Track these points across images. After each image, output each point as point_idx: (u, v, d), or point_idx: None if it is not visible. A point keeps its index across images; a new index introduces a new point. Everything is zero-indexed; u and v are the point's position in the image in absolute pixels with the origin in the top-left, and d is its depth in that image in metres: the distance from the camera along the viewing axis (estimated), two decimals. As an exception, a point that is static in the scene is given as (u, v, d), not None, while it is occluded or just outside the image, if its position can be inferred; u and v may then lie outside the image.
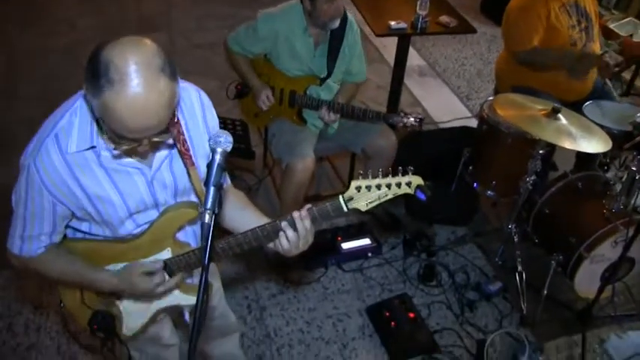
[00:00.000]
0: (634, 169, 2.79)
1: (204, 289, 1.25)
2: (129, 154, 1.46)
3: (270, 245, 1.60)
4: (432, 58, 5.76)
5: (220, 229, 1.51)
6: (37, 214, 1.50)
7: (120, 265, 1.67)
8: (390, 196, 1.48)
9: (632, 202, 2.91)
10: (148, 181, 1.55)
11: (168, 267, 1.68)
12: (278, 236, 1.56)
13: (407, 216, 3.63)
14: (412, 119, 2.94)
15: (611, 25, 5.08)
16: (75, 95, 1.45)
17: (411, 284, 3.25)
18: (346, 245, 3.34)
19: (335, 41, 3.06)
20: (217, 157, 1.35)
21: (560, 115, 2.75)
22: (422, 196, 1.46)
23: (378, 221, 3.56)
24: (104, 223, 1.58)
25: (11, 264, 1.66)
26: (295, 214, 1.53)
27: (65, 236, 1.64)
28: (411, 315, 2.98)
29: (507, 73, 3.56)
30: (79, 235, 1.65)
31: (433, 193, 1.48)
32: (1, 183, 1.84)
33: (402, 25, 3.69)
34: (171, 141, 1.49)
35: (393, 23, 3.69)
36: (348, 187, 1.47)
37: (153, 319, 1.86)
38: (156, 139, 1.34)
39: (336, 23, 2.95)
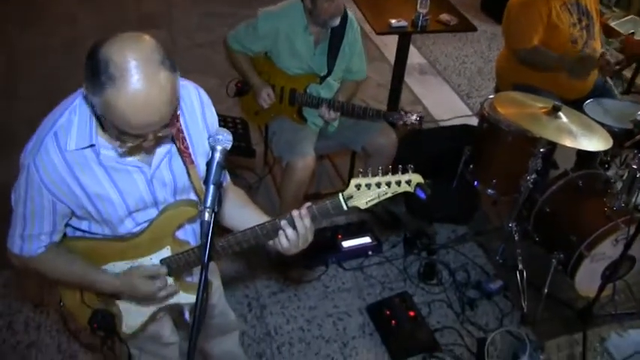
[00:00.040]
0: (635, 167, 2.79)
1: (203, 288, 1.25)
2: (135, 151, 1.46)
3: (270, 243, 1.60)
4: (433, 56, 5.76)
5: (220, 227, 1.51)
6: (37, 213, 1.50)
7: (119, 264, 1.67)
8: (389, 195, 1.48)
9: (633, 200, 2.91)
10: (148, 180, 1.54)
11: (167, 266, 1.69)
12: (277, 235, 1.56)
13: (407, 214, 3.63)
14: (412, 117, 2.94)
15: (612, 23, 5.09)
16: (74, 93, 1.45)
17: (412, 283, 3.25)
18: (347, 243, 3.34)
19: (335, 39, 3.06)
20: (217, 156, 1.35)
21: (560, 114, 2.75)
22: (422, 195, 1.46)
23: (378, 219, 3.56)
24: (104, 221, 1.57)
25: (11, 263, 1.66)
26: (295, 212, 1.53)
27: (65, 235, 1.64)
28: (412, 313, 2.98)
29: (508, 71, 3.56)
30: (79, 233, 1.65)
31: (433, 192, 1.48)
32: (2, 182, 1.84)
33: (403, 23, 3.69)
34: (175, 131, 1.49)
35: (393, 21, 3.69)
36: (347, 186, 1.47)
37: (153, 318, 1.85)
38: (160, 134, 1.35)
39: (337, 21, 2.95)
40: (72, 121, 1.40)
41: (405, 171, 1.46)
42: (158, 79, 1.24)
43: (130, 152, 1.46)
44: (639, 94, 4.99)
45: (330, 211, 1.52)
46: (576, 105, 3.10)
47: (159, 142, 1.45)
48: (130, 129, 1.28)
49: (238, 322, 2.57)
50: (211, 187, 1.31)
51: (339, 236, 3.36)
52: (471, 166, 3.27)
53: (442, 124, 4.62)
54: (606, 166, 3.24)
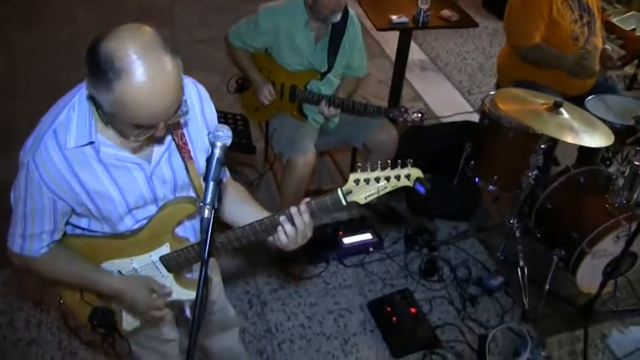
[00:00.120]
0: (636, 163, 2.78)
1: (203, 284, 1.25)
2: (147, 143, 1.46)
3: (270, 239, 1.60)
4: (434, 52, 5.75)
5: (220, 223, 1.51)
6: (38, 212, 1.48)
7: (118, 261, 1.67)
8: (388, 189, 1.47)
9: (635, 196, 2.89)
10: (147, 177, 1.54)
11: (167, 263, 1.68)
12: (276, 231, 1.56)
13: (408, 211, 3.62)
14: (413, 114, 2.93)
15: (614, 20, 5.08)
16: (73, 90, 1.44)
17: (413, 279, 3.25)
18: (347, 240, 3.33)
19: (336, 35, 3.05)
20: (217, 152, 1.34)
21: (562, 110, 2.74)
22: (421, 189, 1.45)
23: (379, 216, 3.55)
24: (103, 219, 1.56)
25: (12, 262, 1.65)
26: (293, 209, 1.53)
27: (64, 233, 1.63)
28: (413, 310, 2.97)
29: (509, 67, 3.55)
30: (78, 231, 1.64)
31: (434, 188, 1.47)
32: (2, 182, 1.83)
33: (404, 19, 3.69)
34: (184, 118, 1.49)
35: (394, 17, 3.68)
36: (346, 181, 1.46)
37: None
38: (171, 121, 1.35)
39: (338, 17, 2.94)
40: (71, 118, 1.40)
41: (404, 165, 1.45)
42: (164, 64, 1.24)
43: (142, 146, 1.46)
44: (641, 90, 4.99)
45: (329, 206, 1.52)
46: (578, 101, 3.09)
47: (169, 130, 1.45)
48: (144, 120, 1.28)
49: (238, 319, 2.56)
50: (211, 184, 1.31)
51: (340, 233, 3.35)
52: (472, 163, 3.26)
53: (443, 120, 4.61)
54: (608, 162, 3.23)
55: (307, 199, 1.54)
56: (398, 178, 1.44)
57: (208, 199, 1.30)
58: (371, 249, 3.37)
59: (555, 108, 2.74)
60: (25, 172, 1.41)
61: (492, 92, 3.22)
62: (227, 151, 1.37)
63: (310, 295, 3.13)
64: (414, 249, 3.40)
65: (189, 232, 1.76)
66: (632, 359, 2.88)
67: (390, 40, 5.39)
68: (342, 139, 3.37)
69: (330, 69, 3.11)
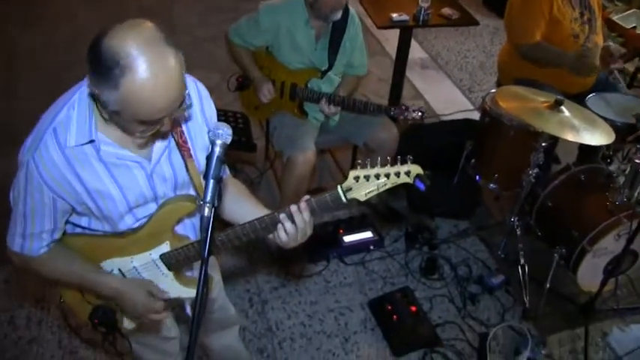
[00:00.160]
0: (637, 161, 2.78)
1: (204, 283, 1.24)
2: (152, 139, 1.47)
3: (270, 237, 1.60)
4: (434, 50, 5.74)
5: (220, 221, 1.51)
6: (38, 211, 1.48)
7: (119, 260, 1.67)
8: (388, 186, 1.47)
9: (636, 194, 2.89)
10: (148, 175, 1.54)
11: (167, 261, 1.68)
12: (277, 229, 1.56)
13: (409, 209, 3.62)
14: (414, 112, 2.93)
15: (615, 17, 5.06)
16: (73, 88, 1.44)
17: (413, 277, 3.25)
18: (348, 238, 3.33)
19: (336, 34, 3.05)
20: (217, 150, 1.34)
21: (563, 108, 2.74)
22: (421, 186, 1.45)
23: (379, 214, 3.55)
24: (104, 218, 1.56)
25: (12, 261, 1.65)
26: (293, 206, 1.53)
27: (64, 232, 1.62)
28: (413, 308, 2.97)
29: (510, 65, 3.54)
30: (78, 230, 1.63)
31: (435, 186, 1.47)
32: (2, 181, 1.82)
33: (404, 17, 3.68)
34: (187, 112, 1.49)
35: (394, 15, 3.68)
36: (346, 178, 1.46)
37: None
38: (174, 115, 1.36)
39: (338, 15, 2.93)
40: (71, 116, 1.39)
41: (404, 162, 1.45)
42: (167, 57, 1.25)
43: (147, 142, 1.47)
44: (642, 88, 4.98)
45: (329, 203, 1.51)
46: (578, 99, 3.09)
47: (173, 124, 1.45)
48: (149, 116, 1.28)
49: (238, 317, 2.56)
50: (211, 182, 1.31)
51: (341, 231, 3.35)
52: (473, 161, 3.26)
53: (444, 118, 4.61)
54: (608, 160, 3.22)
55: (307, 197, 1.54)
56: (398, 174, 1.44)
57: (208, 198, 1.30)
58: (371, 247, 3.36)
59: (556, 106, 2.74)
60: (25, 171, 1.41)
61: (493, 90, 3.22)
62: (227, 149, 1.36)
63: (311, 293, 3.13)
64: (414, 247, 3.40)
65: (189, 230, 1.76)
66: (633, 357, 2.88)
67: (390, 38, 5.38)
68: (343, 137, 3.37)
69: (330, 67, 3.11)
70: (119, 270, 1.69)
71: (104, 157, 1.44)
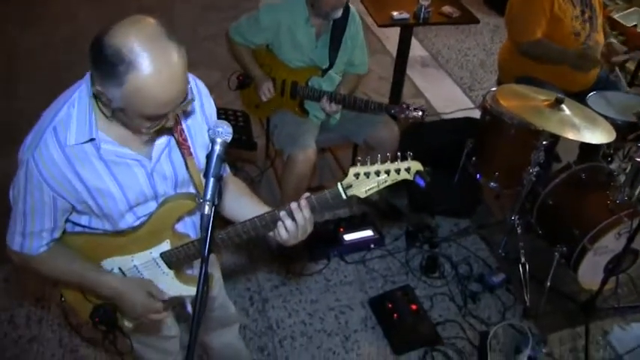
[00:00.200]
0: (638, 160, 2.77)
1: (204, 281, 1.24)
2: (157, 134, 1.47)
3: (270, 235, 1.59)
4: (435, 48, 5.74)
5: (220, 219, 1.50)
6: (38, 210, 1.47)
7: (119, 259, 1.66)
8: (389, 183, 1.47)
9: (636, 193, 2.89)
10: (148, 173, 1.53)
11: (167, 259, 1.68)
12: (277, 226, 1.55)
13: (409, 208, 3.62)
14: (415, 111, 2.93)
15: (616, 16, 5.06)
16: (73, 86, 1.43)
17: (414, 276, 3.24)
18: (349, 237, 3.33)
19: (337, 32, 3.04)
20: (217, 148, 1.34)
21: (563, 106, 2.73)
22: (421, 182, 1.44)
23: (380, 212, 3.55)
24: (104, 216, 1.56)
25: (11, 260, 1.65)
26: (293, 204, 1.53)
27: (64, 230, 1.62)
28: (414, 307, 2.97)
29: (510, 63, 3.54)
30: (78, 229, 1.63)
31: (436, 185, 1.47)
32: (2, 181, 1.82)
33: (405, 15, 3.68)
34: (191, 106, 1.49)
35: (395, 13, 3.67)
36: (347, 175, 1.46)
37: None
38: (177, 110, 1.36)
39: (339, 13, 2.93)
40: (71, 115, 1.39)
41: (404, 158, 1.45)
42: (170, 52, 1.25)
43: (152, 138, 1.47)
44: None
45: (329, 200, 1.51)
46: (579, 97, 3.08)
47: (177, 119, 1.45)
48: (157, 110, 1.29)
49: (238, 315, 2.57)
50: (211, 180, 1.30)
51: (341, 229, 3.35)
52: (474, 159, 3.26)
53: (444, 116, 4.61)
54: (609, 159, 3.22)
55: (307, 194, 1.54)
56: (398, 171, 1.44)
57: (208, 196, 1.29)
58: (372, 246, 3.36)
59: (557, 104, 2.74)
60: (25, 170, 1.40)
61: (493, 88, 3.21)
62: (227, 147, 1.36)
63: (311, 291, 3.13)
64: (415, 246, 3.40)
65: (189, 228, 1.75)
66: (634, 356, 2.88)
67: (391, 37, 5.39)
68: (344, 135, 3.36)
69: (331, 65, 3.10)
70: (119, 269, 1.68)
71: (104, 156, 1.44)
